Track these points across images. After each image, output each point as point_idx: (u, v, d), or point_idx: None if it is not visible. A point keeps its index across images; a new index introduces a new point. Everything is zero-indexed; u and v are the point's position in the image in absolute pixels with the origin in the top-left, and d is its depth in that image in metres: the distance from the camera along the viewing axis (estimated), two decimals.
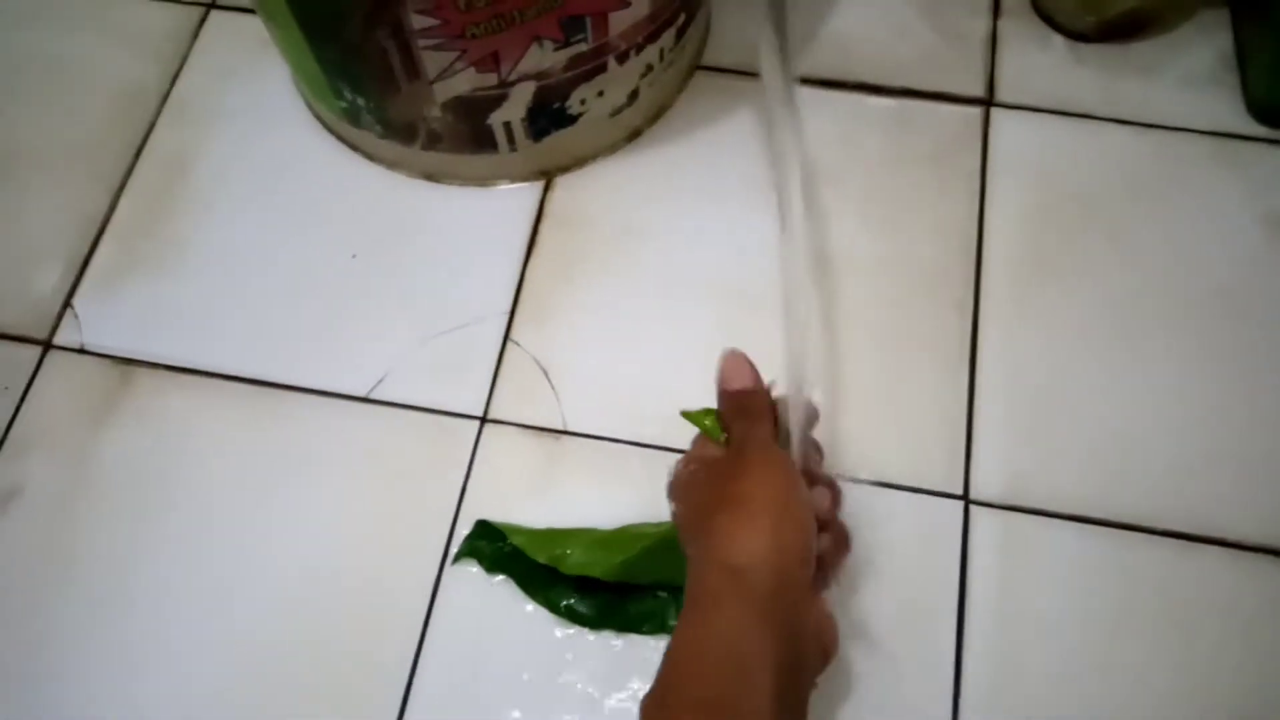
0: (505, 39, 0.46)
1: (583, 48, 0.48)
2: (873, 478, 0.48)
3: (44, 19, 0.62)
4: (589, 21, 0.47)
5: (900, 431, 0.49)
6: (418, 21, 0.44)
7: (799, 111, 0.37)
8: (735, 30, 0.60)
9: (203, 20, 0.62)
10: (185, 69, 0.60)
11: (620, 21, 0.48)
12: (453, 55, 0.46)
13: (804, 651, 0.34)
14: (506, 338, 0.52)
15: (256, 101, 0.59)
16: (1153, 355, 0.50)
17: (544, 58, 0.48)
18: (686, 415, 0.39)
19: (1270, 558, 0.45)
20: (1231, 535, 0.46)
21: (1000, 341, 0.51)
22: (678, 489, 0.38)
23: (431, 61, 0.47)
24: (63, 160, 0.57)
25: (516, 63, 0.47)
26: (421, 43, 0.45)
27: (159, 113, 0.59)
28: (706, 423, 0.38)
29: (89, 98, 0.59)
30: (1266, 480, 0.47)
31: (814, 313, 0.51)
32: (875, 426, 0.49)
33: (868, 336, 0.51)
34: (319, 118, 0.58)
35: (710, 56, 0.59)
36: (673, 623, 0.43)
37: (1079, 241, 0.53)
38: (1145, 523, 0.46)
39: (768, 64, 0.35)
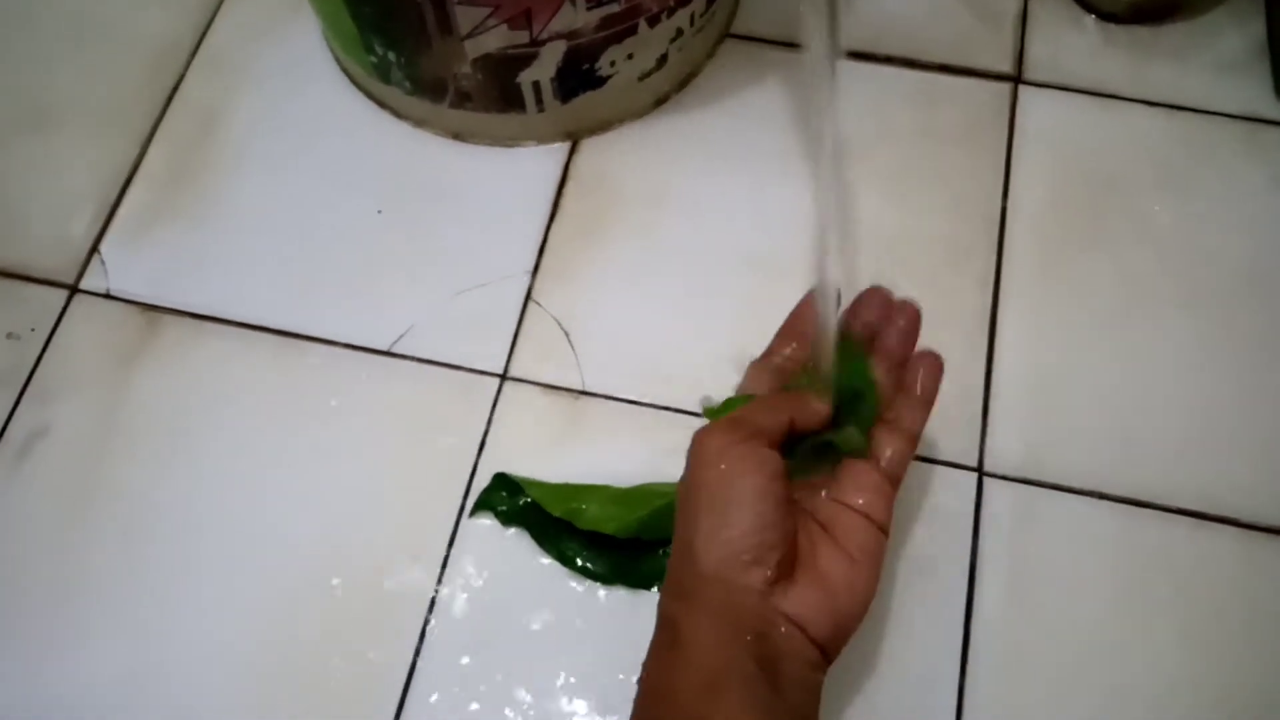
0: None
1: (614, 8, 0.48)
2: None
3: None
4: None
5: None
6: None
7: (839, 83, 0.37)
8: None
9: None
10: (215, 23, 0.60)
11: None
12: (485, 11, 0.46)
13: (778, 650, 0.32)
14: (528, 297, 0.52)
15: (286, 57, 0.59)
16: (1172, 336, 0.50)
17: (576, 17, 0.48)
18: (709, 413, 0.39)
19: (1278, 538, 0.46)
20: (1245, 516, 0.46)
21: (1020, 317, 0.51)
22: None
23: (464, 17, 0.47)
24: (94, 112, 0.58)
25: (548, 21, 0.48)
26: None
27: (188, 66, 0.59)
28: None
29: (120, 52, 0.60)
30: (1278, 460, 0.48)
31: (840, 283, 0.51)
32: None
33: None
34: (348, 74, 0.58)
35: (740, 25, 0.59)
36: None
37: (1102, 221, 0.53)
38: (1159, 500, 0.47)
39: (814, 29, 0.35)
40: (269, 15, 0.60)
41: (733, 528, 0.33)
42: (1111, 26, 0.58)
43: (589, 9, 0.47)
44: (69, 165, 0.56)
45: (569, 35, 0.49)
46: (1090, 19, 0.59)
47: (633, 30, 0.50)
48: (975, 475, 0.47)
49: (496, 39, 0.48)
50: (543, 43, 0.49)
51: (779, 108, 0.57)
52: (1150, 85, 0.57)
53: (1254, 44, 0.58)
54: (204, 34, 0.60)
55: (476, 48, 0.49)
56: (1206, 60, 0.57)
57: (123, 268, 0.54)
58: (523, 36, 0.48)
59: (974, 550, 0.46)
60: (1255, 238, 0.53)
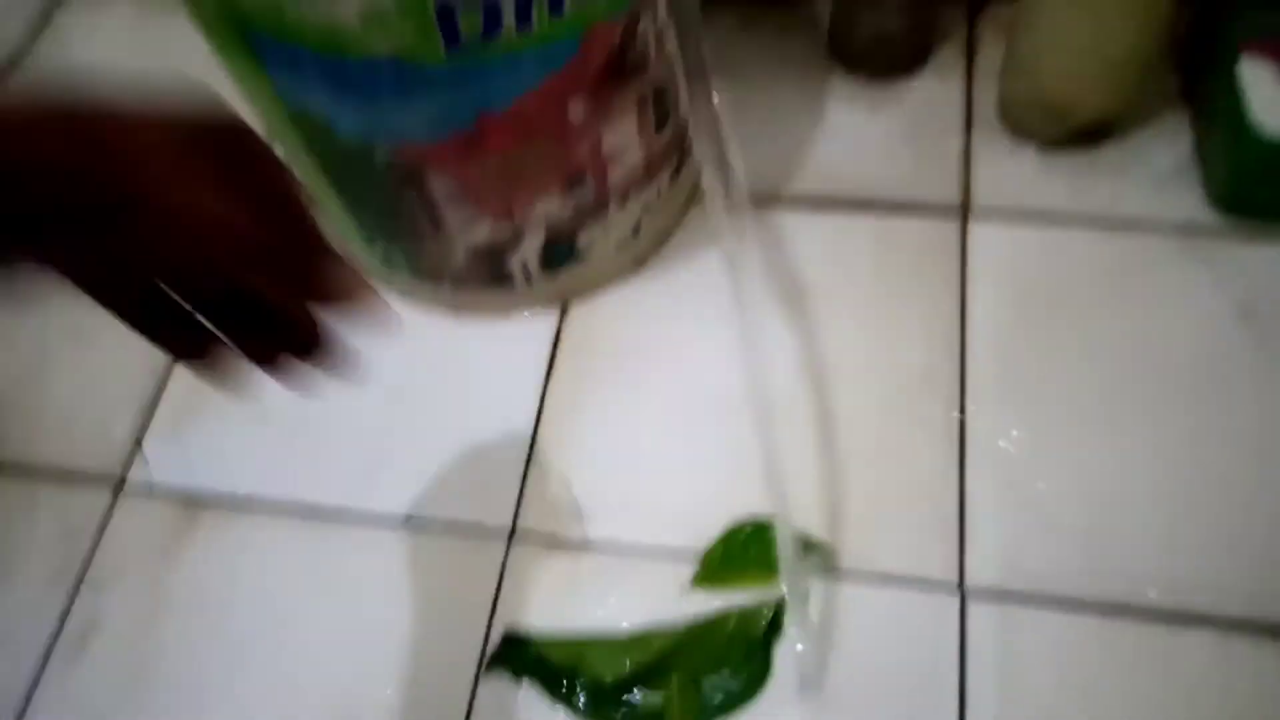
0: (516, 194, 0.52)
1: (587, 196, 0.54)
2: (871, 570, 0.51)
3: None
4: (590, 176, 0.52)
5: (897, 527, 0.52)
6: (439, 187, 0.50)
7: (748, 236, 0.41)
8: None
9: None
10: None
11: (618, 175, 0.54)
12: (471, 211, 0.52)
13: None
14: (530, 458, 0.57)
15: None
16: (1135, 442, 0.54)
17: (551, 207, 0.53)
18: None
19: (1255, 635, 0.48)
20: (1218, 613, 0.49)
21: (987, 435, 0.54)
22: None
23: (453, 217, 0.52)
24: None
25: (527, 211, 0.53)
26: (445, 204, 0.51)
27: None
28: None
29: None
30: (1246, 556, 0.50)
31: (809, 420, 0.55)
32: (873, 524, 0.53)
33: (863, 438, 0.55)
34: (356, 259, 0.64)
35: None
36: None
37: (1057, 337, 0.57)
38: (1136, 603, 0.49)
39: (714, 201, 0.39)
40: None
41: None
42: (1049, 154, 0.63)
43: (563, 200, 0.53)
44: (110, 369, 0.62)
45: (548, 222, 0.54)
46: (1029, 149, 0.64)
47: (605, 211, 0.56)
48: (958, 594, 0.50)
49: (484, 232, 0.54)
50: (525, 231, 0.54)
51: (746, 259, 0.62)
52: (1089, 206, 0.61)
53: (1184, 157, 0.62)
54: None
55: (467, 240, 0.54)
56: (1140, 176, 0.62)
57: (162, 460, 0.59)
58: (506, 227, 0.54)
59: (961, 665, 0.49)
60: (1203, 341, 0.56)
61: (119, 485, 0.58)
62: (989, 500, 0.53)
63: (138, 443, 0.60)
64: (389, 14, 0.40)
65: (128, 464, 0.59)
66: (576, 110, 0.48)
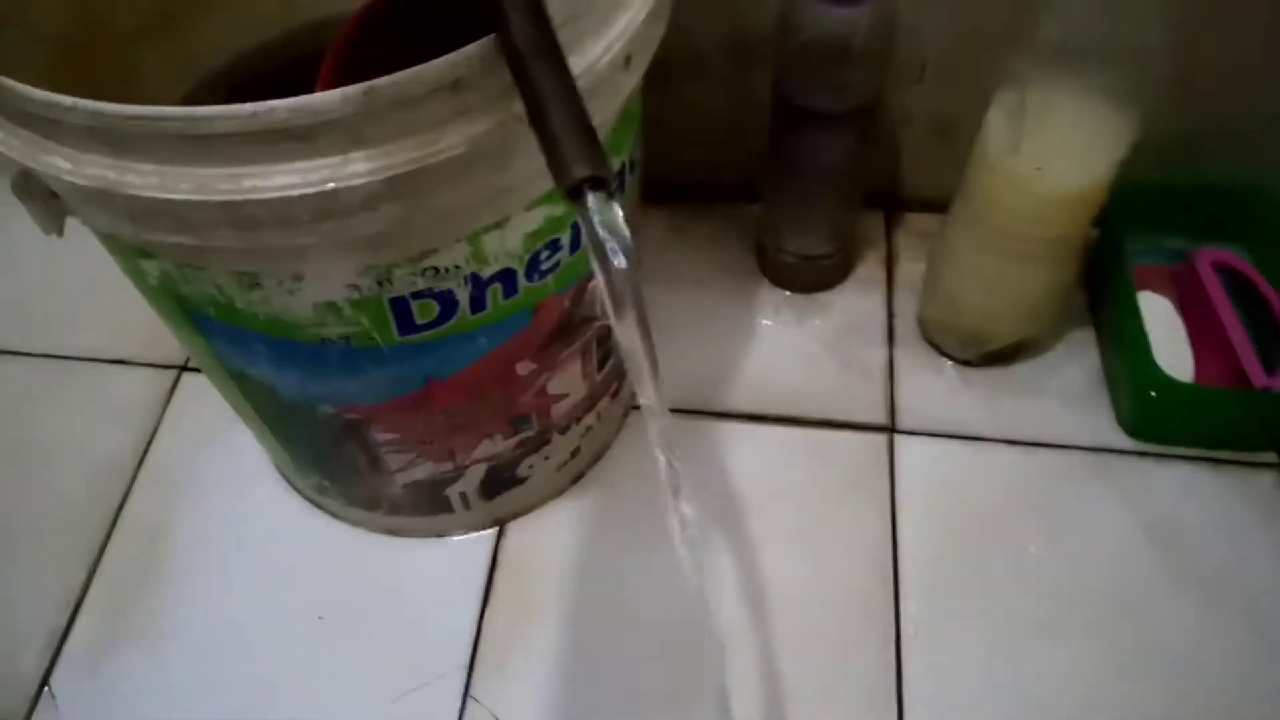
0: (459, 440, 0.52)
1: (529, 433, 0.54)
2: None
3: (17, 399, 0.67)
4: (534, 416, 0.53)
5: None
6: (381, 436, 0.50)
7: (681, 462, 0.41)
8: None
9: (174, 385, 0.67)
10: (158, 437, 0.65)
11: (561, 410, 0.54)
12: (412, 455, 0.52)
13: None
14: (466, 694, 0.55)
15: (228, 466, 0.63)
16: (1060, 665, 0.55)
17: (495, 447, 0.53)
18: None
19: None
20: None
21: (923, 662, 0.55)
22: None
23: (393, 460, 0.52)
24: (40, 538, 0.61)
25: (470, 453, 0.53)
26: (385, 449, 0.51)
27: (133, 482, 0.63)
28: None
29: (63, 473, 0.64)
30: None
31: (751, 654, 0.56)
32: None
33: (800, 669, 0.55)
34: (287, 480, 0.62)
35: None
36: None
37: (982, 559, 0.59)
38: None
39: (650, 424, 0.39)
40: (211, 424, 0.64)
41: None
42: (968, 370, 0.66)
43: (506, 439, 0.53)
44: (17, 599, 0.59)
45: (489, 459, 0.54)
46: (948, 364, 0.67)
47: (547, 441, 0.56)
48: None
49: (424, 471, 0.53)
50: (466, 468, 0.54)
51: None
52: (1007, 424, 0.64)
53: (1092, 375, 0.66)
54: (147, 448, 0.64)
55: (406, 477, 0.54)
56: (1054, 396, 0.65)
57: (74, 701, 0.56)
58: (447, 467, 0.53)
59: None
60: (1117, 561, 0.59)
61: None
62: None
63: (45, 681, 0.56)
64: (343, 307, 0.40)
65: (34, 704, 0.56)
66: (524, 368, 0.48)
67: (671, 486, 0.40)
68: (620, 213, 0.30)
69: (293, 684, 0.56)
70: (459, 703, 0.55)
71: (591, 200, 0.29)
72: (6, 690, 0.56)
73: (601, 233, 0.30)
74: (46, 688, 0.56)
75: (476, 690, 0.55)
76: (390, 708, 0.55)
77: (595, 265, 0.30)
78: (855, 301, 0.70)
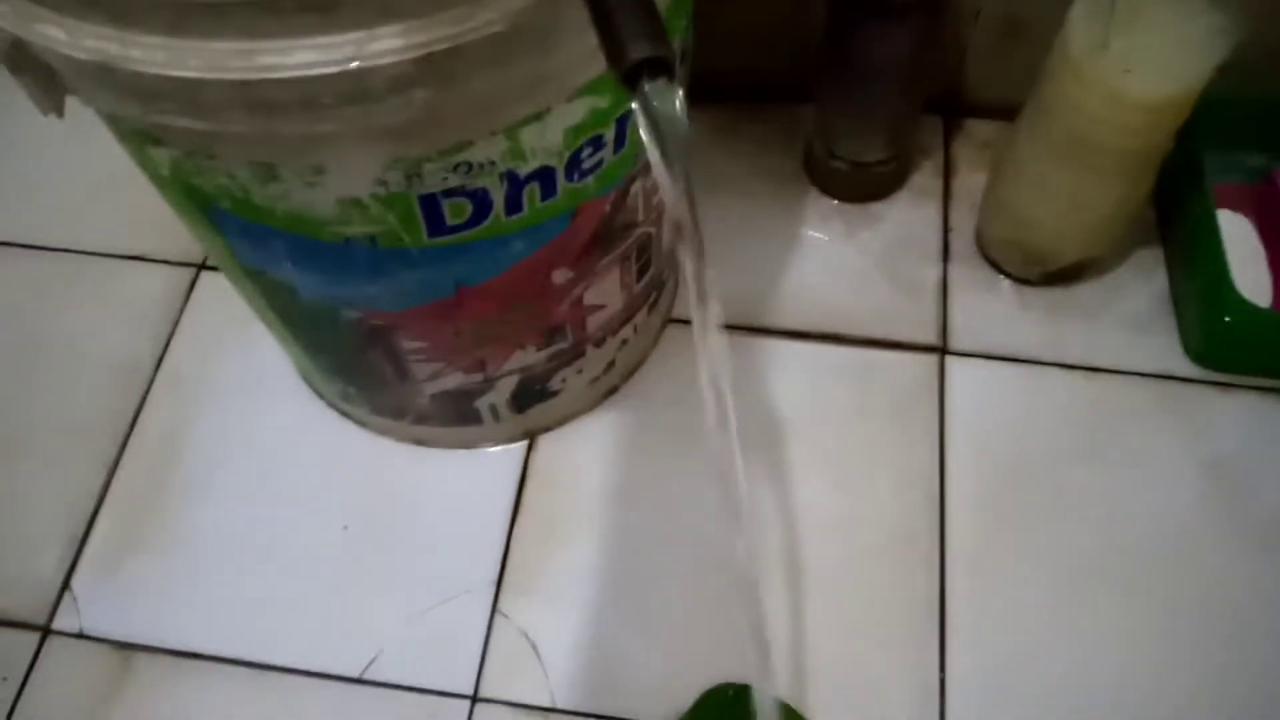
0: (491, 351, 0.49)
1: (563, 345, 0.51)
2: None
3: (31, 294, 0.65)
4: (569, 328, 0.50)
5: (872, 692, 0.51)
6: (408, 344, 0.47)
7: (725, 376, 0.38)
8: None
9: (193, 284, 0.65)
10: (175, 338, 0.63)
11: (597, 321, 0.51)
12: (441, 364, 0.49)
13: None
14: (494, 609, 0.54)
15: (247, 369, 0.61)
16: (1110, 605, 0.53)
17: (527, 358, 0.51)
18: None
19: None
20: None
21: (967, 598, 0.53)
22: None
23: (421, 370, 0.49)
24: (57, 441, 0.59)
25: (502, 364, 0.50)
26: (412, 358, 0.48)
27: (150, 385, 0.61)
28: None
29: (80, 376, 0.62)
30: None
31: (787, 580, 0.54)
32: (848, 688, 0.51)
33: (838, 598, 0.53)
34: (310, 385, 0.60)
35: (681, 309, 0.63)
36: None
37: (1033, 491, 0.56)
38: None
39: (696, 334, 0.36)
40: (230, 326, 0.62)
41: None
42: (1026, 290, 0.63)
43: (538, 351, 0.50)
44: (35, 501, 0.58)
45: (521, 370, 0.51)
46: (1006, 283, 0.63)
47: (581, 354, 0.53)
48: None
49: (453, 381, 0.51)
50: (497, 379, 0.51)
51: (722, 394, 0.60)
52: (1066, 348, 0.61)
53: (1159, 299, 0.62)
54: (165, 350, 0.62)
55: (434, 387, 0.51)
56: (1117, 319, 0.62)
57: (94, 604, 0.55)
58: (477, 378, 0.51)
59: None
60: (1173, 500, 0.56)
61: (46, 629, 0.54)
62: (969, 674, 0.51)
63: (66, 583, 0.55)
64: (369, 204, 0.37)
65: (56, 605, 0.55)
66: (560, 276, 0.45)
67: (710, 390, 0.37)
68: (681, 102, 0.27)
69: (316, 594, 0.54)
70: (486, 618, 0.54)
71: (650, 87, 0.26)
72: (30, 591, 0.55)
73: (660, 125, 0.26)
74: (68, 590, 0.55)
75: (504, 605, 0.54)
76: (416, 621, 0.53)
77: (655, 159, 0.27)
78: (908, 214, 0.66)
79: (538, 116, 0.36)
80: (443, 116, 0.33)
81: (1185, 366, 0.60)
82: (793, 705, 0.50)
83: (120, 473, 0.58)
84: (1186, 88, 0.48)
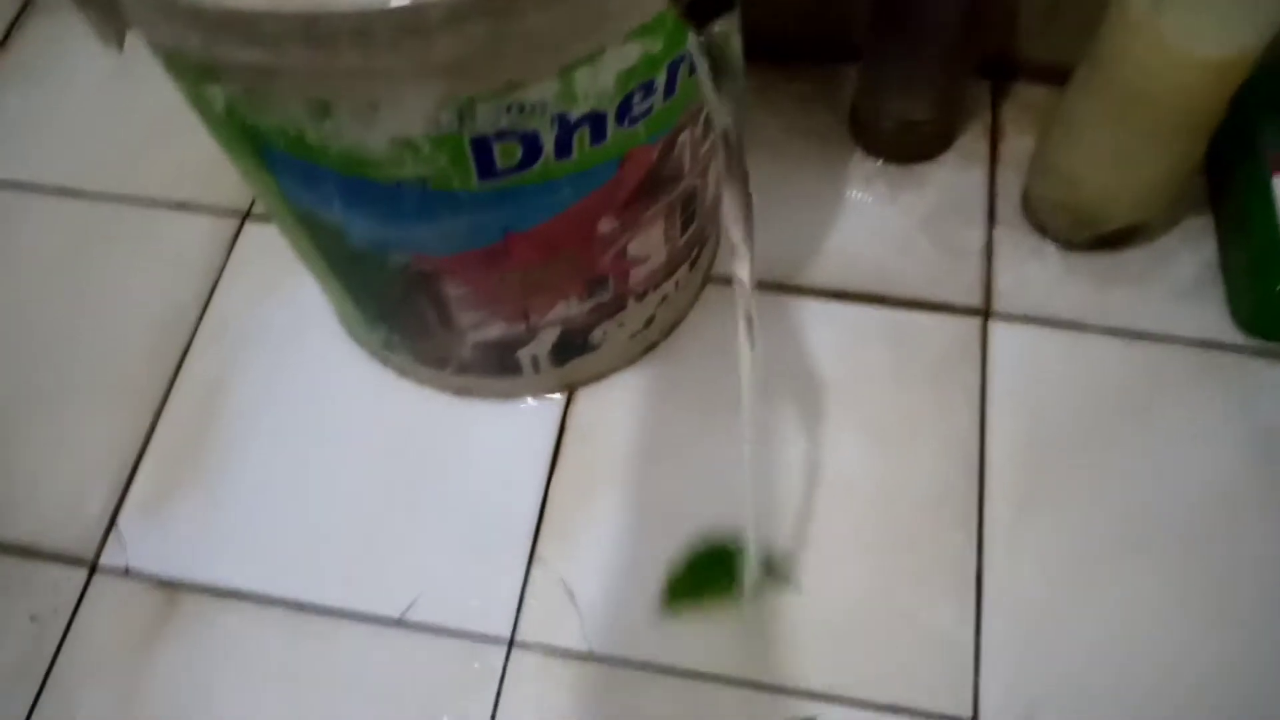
0: (535, 301, 0.49)
1: (605, 297, 0.51)
2: (879, 700, 0.50)
3: (78, 241, 0.66)
4: (611, 280, 0.50)
5: (907, 653, 0.51)
6: (454, 290, 0.47)
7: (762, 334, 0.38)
8: None
9: (236, 234, 0.65)
10: (219, 288, 0.63)
11: (639, 275, 0.51)
12: (485, 312, 0.49)
13: None
14: (532, 556, 0.54)
15: (290, 318, 0.62)
16: (1149, 575, 0.53)
17: (569, 309, 0.51)
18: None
19: None
20: None
21: (1005, 563, 0.53)
22: None
23: (465, 318, 0.50)
24: (103, 387, 0.60)
25: (545, 315, 0.51)
26: (457, 305, 0.48)
27: (194, 334, 0.62)
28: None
29: (124, 324, 0.62)
30: (1267, 702, 0.50)
31: (820, 541, 0.54)
32: (882, 649, 0.51)
33: (873, 559, 0.53)
34: (352, 335, 0.61)
35: (721, 267, 0.62)
36: None
37: (1076, 457, 0.56)
38: None
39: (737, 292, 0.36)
40: (273, 276, 0.63)
41: None
42: (1072, 255, 0.62)
43: (581, 302, 0.50)
44: (82, 442, 0.59)
45: (563, 322, 0.52)
46: (1052, 248, 0.62)
47: (622, 307, 0.53)
48: None
49: (496, 330, 0.51)
50: (539, 329, 0.52)
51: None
52: (1112, 313, 0.60)
53: (1208, 267, 0.61)
54: (209, 299, 0.63)
55: (477, 336, 0.52)
56: (1164, 285, 0.61)
57: (140, 542, 0.56)
58: (520, 328, 0.51)
59: None
60: (1219, 469, 0.55)
61: (93, 566, 0.55)
62: (1005, 638, 0.51)
63: (113, 521, 0.56)
64: (421, 144, 0.37)
65: (103, 542, 0.56)
66: (606, 225, 0.45)
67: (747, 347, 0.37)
68: (740, 45, 0.26)
69: (357, 537, 0.55)
70: (524, 565, 0.54)
71: (713, 25, 0.26)
72: (79, 527, 0.56)
73: (718, 64, 0.26)
74: (114, 528, 0.56)
75: (542, 553, 0.54)
76: (453, 569, 0.54)
77: (709, 98, 0.27)
78: (954, 176, 0.65)
79: (591, 59, 0.36)
80: (497, 53, 0.33)
81: (1233, 335, 0.59)
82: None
83: (165, 416, 0.59)
84: (1253, 45, 0.47)
